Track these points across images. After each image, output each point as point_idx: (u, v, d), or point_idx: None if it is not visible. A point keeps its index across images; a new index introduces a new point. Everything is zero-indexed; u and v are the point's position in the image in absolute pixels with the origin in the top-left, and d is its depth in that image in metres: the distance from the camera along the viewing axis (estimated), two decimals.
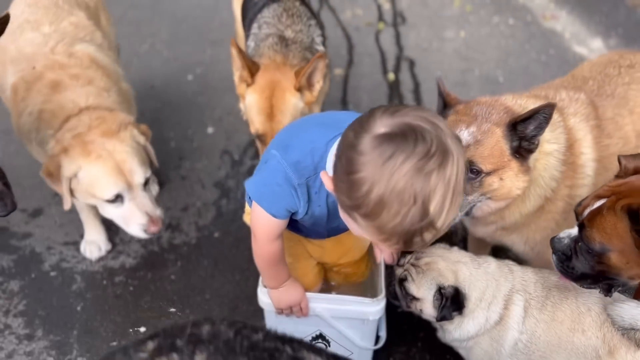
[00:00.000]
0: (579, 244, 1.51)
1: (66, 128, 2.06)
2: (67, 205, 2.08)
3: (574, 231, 1.55)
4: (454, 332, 1.74)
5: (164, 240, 2.59)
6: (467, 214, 1.80)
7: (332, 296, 1.75)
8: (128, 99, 2.47)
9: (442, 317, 1.68)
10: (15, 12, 2.35)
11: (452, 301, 1.65)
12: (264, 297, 1.74)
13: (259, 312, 2.23)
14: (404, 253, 1.79)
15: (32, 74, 2.16)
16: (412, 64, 4.04)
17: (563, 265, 1.57)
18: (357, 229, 1.26)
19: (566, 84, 2.13)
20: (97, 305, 2.31)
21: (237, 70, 2.14)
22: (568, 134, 1.89)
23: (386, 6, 4.85)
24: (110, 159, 2.00)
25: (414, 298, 1.71)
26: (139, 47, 4.19)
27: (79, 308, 2.29)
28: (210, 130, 3.32)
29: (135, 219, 2.07)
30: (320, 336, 1.82)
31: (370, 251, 1.97)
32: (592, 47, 4.27)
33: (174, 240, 2.60)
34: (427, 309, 1.71)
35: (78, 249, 2.51)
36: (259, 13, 2.33)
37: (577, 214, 1.55)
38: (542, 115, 1.62)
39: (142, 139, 2.17)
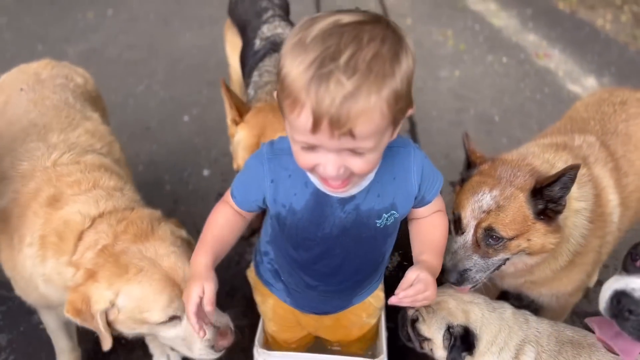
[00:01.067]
0: None
1: (84, 246, 1.58)
2: (107, 346, 1.59)
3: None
4: None
5: None
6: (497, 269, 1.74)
7: (331, 357, 1.67)
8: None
9: (452, 358, 1.63)
10: (18, 110, 1.97)
11: (462, 341, 1.60)
12: (260, 358, 1.67)
13: None
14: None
15: (25, 196, 1.69)
16: None
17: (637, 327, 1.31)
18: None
19: (570, 127, 2.12)
20: (89, 357, 2.25)
21: (227, 113, 2.09)
22: (595, 186, 1.83)
23: None
24: (155, 269, 1.56)
25: (425, 339, 1.65)
26: (135, 88, 4.20)
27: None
28: (206, 172, 3.29)
29: (199, 336, 1.45)
30: None
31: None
32: (585, 85, 4.31)
33: None
34: (438, 349, 1.66)
35: None
36: (260, 62, 2.32)
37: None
38: (567, 177, 1.54)
39: (183, 232, 1.77)
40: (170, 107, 3.95)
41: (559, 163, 1.77)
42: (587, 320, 1.49)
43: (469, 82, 4.36)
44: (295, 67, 1.02)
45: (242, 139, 1.99)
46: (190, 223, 2.92)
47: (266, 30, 2.54)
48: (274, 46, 2.41)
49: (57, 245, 1.57)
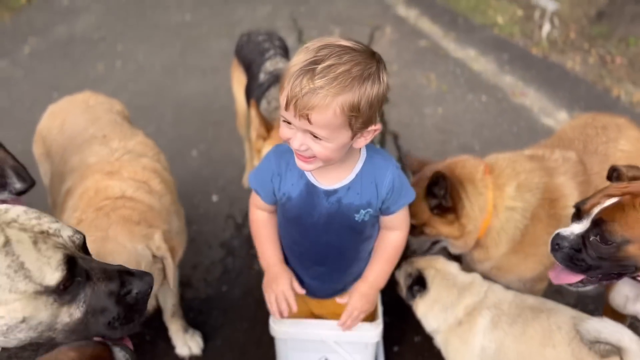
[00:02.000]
0: (591, 238, 1.68)
1: (102, 206, 1.92)
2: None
3: (577, 228, 1.74)
4: (426, 323, 2.11)
5: None
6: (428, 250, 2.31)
7: (332, 322, 1.94)
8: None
9: (410, 293, 2.07)
10: (77, 127, 2.39)
11: (416, 282, 2.05)
12: (275, 325, 1.96)
13: (267, 356, 2.44)
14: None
15: (88, 170, 2.09)
16: (396, 137, 4.43)
17: (572, 260, 1.73)
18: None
19: (555, 144, 2.49)
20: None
21: (255, 130, 2.40)
22: (553, 193, 2.20)
23: None
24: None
25: (397, 283, 2.14)
26: (145, 129, 4.42)
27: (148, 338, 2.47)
28: (215, 198, 3.61)
29: None
30: None
31: None
32: (558, 119, 4.71)
33: (185, 294, 2.81)
34: (403, 290, 2.15)
35: None
36: (267, 91, 2.69)
37: (583, 211, 1.74)
38: (438, 181, 2.03)
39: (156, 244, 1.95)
40: (179, 143, 4.31)
41: (507, 170, 2.22)
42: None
43: (452, 117, 4.76)
44: (294, 61, 1.43)
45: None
46: (202, 240, 3.24)
47: (269, 65, 2.92)
48: (277, 79, 2.79)
49: (90, 198, 1.93)
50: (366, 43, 3.53)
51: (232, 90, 3.52)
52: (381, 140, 4.38)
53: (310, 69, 1.38)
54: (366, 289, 1.88)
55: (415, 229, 2.12)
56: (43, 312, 1.20)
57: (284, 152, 1.73)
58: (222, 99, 5.22)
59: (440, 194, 2.05)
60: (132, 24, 7.89)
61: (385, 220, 1.83)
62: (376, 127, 1.54)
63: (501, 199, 2.16)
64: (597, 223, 1.66)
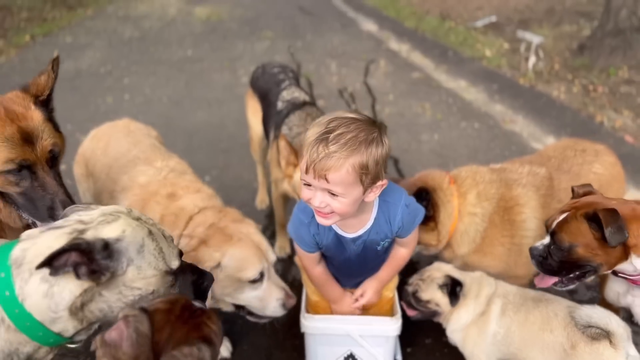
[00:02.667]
0: (551, 247, 2.03)
1: (194, 224, 2.17)
2: (216, 298, 2.17)
3: (546, 240, 2.08)
4: (452, 321, 2.27)
5: None
6: None
7: (360, 317, 2.20)
8: None
9: (454, 297, 2.23)
10: (121, 149, 2.63)
11: (453, 285, 2.23)
12: (306, 321, 2.18)
13: (291, 358, 2.64)
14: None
15: (147, 194, 2.32)
16: (396, 161, 4.71)
17: (542, 265, 2.09)
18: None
19: (534, 160, 2.78)
20: None
21: (284, 159, 2.64)
22: (508, 202, 2.51)
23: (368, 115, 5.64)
24: (249, 240, 2.15)
25: (427, 301, 2.27)
26: None
27: None
28: None
29: (275, 294, 2.22)
30: (351, 356, 2.24)
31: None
32: (546, 142, 5.02)
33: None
34: (441, 301, 2.26)
35: None
36: (286, 118, 2.96)
37: (547, 227, 2.07)
38: (423, 193, 2.34)
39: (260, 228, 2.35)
40: (192, 170, 4.54)
41: (468, 180, 2.55)
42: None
43: (447, 143, 5.07)
44: (309, 133, 1.76)
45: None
46: None
47: (286, 94, 3.20)
48: (294, 106, 3.06)
49: (173, 222, 2.16)
50: (362, 76, 3.75)
51: (247, 118, 3.77)
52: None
53: (324, 138, 1.70)
54: (377, 284, 2.28)
55: None
56: (163, 288, 1.54)
57: (311, 218, 2.01)
58: (229, 128, 5.50)
59: (422, 206, 2.29)
60: (136, 59, 8.22)
61: (397, 239, 2.18)
62: (383, 182, 1.85)
63: (464, 206, 2.48)
64: (552, 234, 2.03)
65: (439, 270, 2.37)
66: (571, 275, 2.07)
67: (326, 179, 1.71)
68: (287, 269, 3.33)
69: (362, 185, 1.78)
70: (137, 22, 11.13)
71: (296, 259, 2.45)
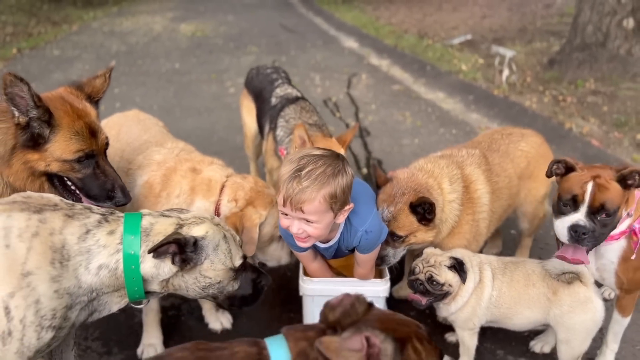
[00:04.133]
0: (599, 217, 2.10)
1: (233, 190, 2.45)
2: (252, 251, 2.42)
3: (580, 216, 2.11)
4: (460, 296, 2.42)
5: None
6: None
7: (351, 279, 2.42)
8: None
9: (463, 274, 2.40)
10: (133, 135, 2.82)
11: (460, 266, 2.41)
12: (304, 284, 2.39)
13: None
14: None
15: (167, 169, 2.52)
16: (380, 162, 4.99)
17: (595, 238, 2.10)
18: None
19: (467, 145, 3.04)
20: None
21: (298, 146, 2.82)
22: (465, 180, 2.70)
23: (352, 123, 5.94)
24: None
25: (443, 285, 2.40)
26: None
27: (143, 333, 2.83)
28: None
29: (286, 248, 2.62)
30: None
31: None
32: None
33: None
34: (453, 281, 2.40)
35: None
36: (282, 111, 3.20)
37: (578, 201, 2.12)
38: (425, 204, 2.41)
39: None
40: None
41: (436, 170, 2.66)
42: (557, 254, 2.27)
43: (427, 147, 5.35)
44: (284, 171, 2.05)
45: None
46: None
47: (279, 91, 3.46)
48: (288, 101, 3.32)
49: (207, 191, 2.45)
50: (345, 88, 4.06)
51: (241, 117, 4.01)
52: (367, 165, 4.93)
53: (296, 175, 2.00)
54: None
55: (398, 240, 2.52)
56: (226, 280, 1.94)
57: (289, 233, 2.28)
58: (219, 132, 5.73)
59: (424, 211, 2.46)
60: (125, 71, 8.43)
61: (356, 255, 2.41)
62: (350, 206, 2.15)
63: (442, 196, 2.61)
64: (599, 205, 2.08)
65: (438, 255, 2.49)
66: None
67: (302, 210, 2.01)
68: None
69: (332, 212, 2.08)
70: (123, 38, 11.36)
71: None
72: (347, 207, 2.13)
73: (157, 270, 1.82)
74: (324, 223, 2.07)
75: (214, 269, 1.88)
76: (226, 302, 2.06)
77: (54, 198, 1.83)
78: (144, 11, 15.89)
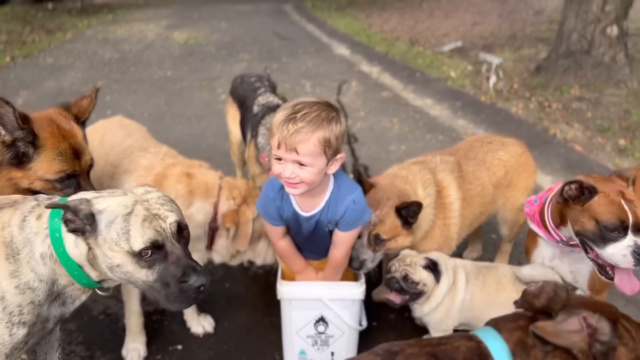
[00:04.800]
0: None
1: (228, 190, 2.63)
2: (245, 244, 2.63)
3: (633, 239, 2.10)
4: (433, 297, 2.51)
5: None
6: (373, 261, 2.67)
7: (329, 282, 2.48)
8: None
9: (437, 274, 2.49)
10: (117, 139, 2.89)
11: (434, 266, 2.49)
12: (282, 287, 2.45)
13: (267, 331, 2.91)
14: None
15: (156, 175, 2.61)
16: (366, 168, 5.06)
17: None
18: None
19: (444, 152, 3.09)
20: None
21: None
22: (438, 186, 2.77)
23: None
24: None
25: (418, 283, 2.49)
26: None
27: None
28: None
29: (272, 247, 2.79)
30: (322, 319, 2.50)
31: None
32: None
33: None
34: (428, 280, 2.50)
35: (118, 300, 3.14)
36: (263, 119, 3.27)
37: (632, 225, 2.09)
38: (413, 206, 2.48)
39: None
40: None
41: (410, 176, 2.72)
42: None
43: (413, 153, 5.41)
44: (278, 116, 2.11)
45: None
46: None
47: (261, 99, 3.53)
48: (269, 109, 3.39)
49: (205, 193, 2.58)
50: (335, 95, 4.18)
51: (227, 124, 4.08)
52: (354, 171, 5.00)
53: (292, 117, 2.05)
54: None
55: (380, 244, 2.58)
56: (129, 266, 1.69)
57: (275, 187, 2.34)
58: (208, 139, 5.80)
59: (407, 214, 2.53)
60: (117, 78, 8.51)
61: (335, 234, 2.41)
62: (342, 155, 2.19)
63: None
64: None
65: (414, 255, 2.59)
66: None
67: (296, 151, 2.03)
68: None
69: (325, 157, 2.10)
70: (116, 45, 11.44)
71: (277, 254, 2.71)
72: (339, 156, 2.16)
73: (78, 249, 1.70)
74: (317, 167, 2.08)
75: (109, 249, 1.67)
76: (154, 298, 1.79)
77: (17, 196, 1.85)
78: (138, 19, 15.99)
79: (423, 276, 2.49)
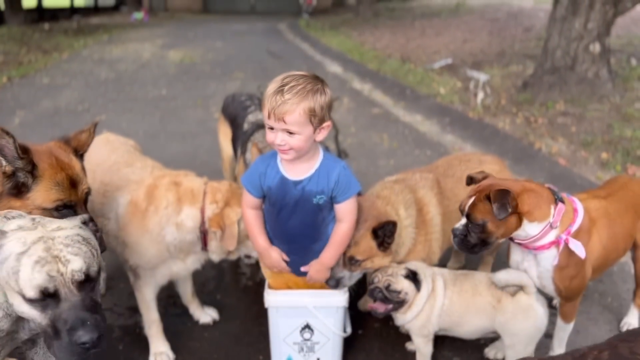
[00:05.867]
0: (469, 226, 2.39)
1: (212, 194, 2.70)
2: (233, 245, 2.69)
3: (463, 221, 2.43)
4: (415, 305, 2.60)
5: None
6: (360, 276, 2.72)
7: (314, 291, 2.59)
8: None
9: (417, 283, 2.59)
10: (102, 156, 2.98)
11: (414, 275, 2.60)
12: (268, 296, 2.56)
13: (257, 340, 3.01)
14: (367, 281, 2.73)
15: (148, 187, 2.72)
16: None
17: (463, 242, 2.42)
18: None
19: (423, 169, 3.19)
20: (134, 344, 2.99)
21: (256, 155, 3.06)
22: (418, 204, 2.86)
23: (332, 146, 6.14)
24: None
25: (400, 292, 2.59)
26: None
27: (121, 347, 2.94)
28: None
29: None
30: (307, 326, 2.60)
31: None
32: None
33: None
34: (409, 289, 2.60)
35: (113, 312, 3.24)
36: (251, 136, 3.41)
37: (462, 210, 2.44)
38: (388, 226, 2.55)
39: None
40: None
41: (392, 196, 2.80)
42: None
43: (401, 167, 5.54)
44: (270, 88, 2.24)
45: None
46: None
47: (251, 117, 3.67)
48: (258, 126, 3.52)
49: (192, 198, 2.67)
50: None
51: (219, 142, 4.22)
52: None
53: (280, 89, 2.19)
54: (319, 266, 2.56)
55: (355, 264, 2.62)
56: (23, 306, 1.62)
57: (265, 157, 2.48)
58: (202, 156, 5.93)
59: (384, 235, 2.58)
60: (113, 97, 8.65)
61: (336, 210, 2.49)
62: (328, 123, 2.30)
63: (400, 222, 2.72)
64: (468, 216, 2.41)
65: (394, 267, 2.69)
66: (482, 248, 2.44)
67: (284, 121, 2.18)
68: (255, 273, 3.71)
69: (312, 125, 2.23)
70: (112, 65, 11.62)
71: (261, 265, 2.76)
72: (325, 124, 2.27)
73: None
74: (305, 135, 2.22)
75: (2, 286, 1.61)
76: (48, 345, 1.65)
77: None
78: (133, 39, 16.22)
79: (405, 285, 2.61)
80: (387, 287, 2.62)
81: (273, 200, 2.48)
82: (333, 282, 2.60)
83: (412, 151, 6.09)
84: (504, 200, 2.23)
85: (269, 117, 2.21)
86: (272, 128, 2.25)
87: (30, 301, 1.59)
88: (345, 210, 2.46)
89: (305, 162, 2.38)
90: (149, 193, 2.69)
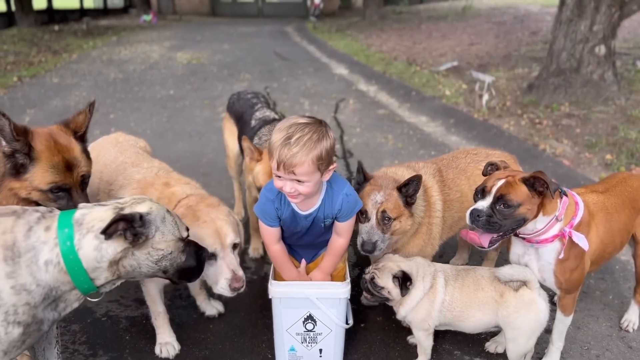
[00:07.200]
0: (497, 207, 2.37)
1: (180, 205, 2.63)
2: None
3: (484, 203, 2.38)
4: (407, 304, 2.65)
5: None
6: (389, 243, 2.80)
7: (318, 282, 2.64)
8: None
9: (404, 289, 2.62)
10: (110, 157, 3.09)
11: (404, 279, 2.63)
12: (272, 287, 2.61)
13: (261, 333, 3.06)
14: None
15: (144, 184, 2.78)
16: None
17: (489, 223, 2.38)
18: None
19: (427, 161, 3.26)
20: (140, 335, 3.05)
21: (247, 155, 3.15)
22: (423, 184, 2.93)
23: (337, 146, 6.21)
24: (212, 224, 2.52)
25: (382, 288, 2.65)
26: None
27: (127, 337, 3.00)
28: None
29: (224, 274, 2.51)
30: (310, 317, 2.65)
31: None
32: None
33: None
34: (393, 290, 2.64)
35: (120, 304, 3.30)
36: (258, 131, 3.49)
37: (485, 192, 2.43)
38: (413, 182, 2.67)
39: (237, 217, 2.77)
40: None
41: (399, 172, 2.92)
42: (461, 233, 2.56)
43: None
44: (275, 139, 2.32)
45: (261, 169, 3.08)
46: None
47: (258, 114, 3.73)
48: (265, 122, 3.59)
49: (167, 204, 2.59)
50: (332, 112, 4.39)
51: (224, 139, 4.28)
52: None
53: (287, 142, 2.27)
54: (321, 274, 2.73)
55: (387, 224, 2.68)
56: (176, 252, 2.08)
57: (273, 190, 2.52)
58: (208, 155, 6.00)
59: (408, 192, 2.69)
60: (121, 97, 8.75)
61: (336, 226, 2.62)
62: (334, 165, 2.42)
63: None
64: (500, 197, 2.39)
65: (392, 261, 2.74)
66: (507, 231, 2.44)
67: (294, 173, 2.27)
68: (260, 267, 3.77)
69: (320, 172, 2.33)
70: (120, 66, 11.73)
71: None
72: (331, 167, 2.38)
73: (100, 253, 1.90)
74: (314, 181, 2.31)
75: (165, 240, 2.01)
76: (176, 276, 2.14)
77: (16, 207, 2.00)
78: (142, 40, 16.36)
79: (389, 285, 2.65)
80: (372, 280, 2.68)
81: (285, 228, 2.65)
82: (370, 246, 2.69)
83: (416, 151, 6.13)
84: (552, 180, 2.30)
85: (277, 168, 2.30)
86: (280, 177, 2.34)
87: (183, 242, 2.11)
88: (345, 228, 2.62)
89: (312, 197, 2.49)
90: (142, 190, 2.75)
